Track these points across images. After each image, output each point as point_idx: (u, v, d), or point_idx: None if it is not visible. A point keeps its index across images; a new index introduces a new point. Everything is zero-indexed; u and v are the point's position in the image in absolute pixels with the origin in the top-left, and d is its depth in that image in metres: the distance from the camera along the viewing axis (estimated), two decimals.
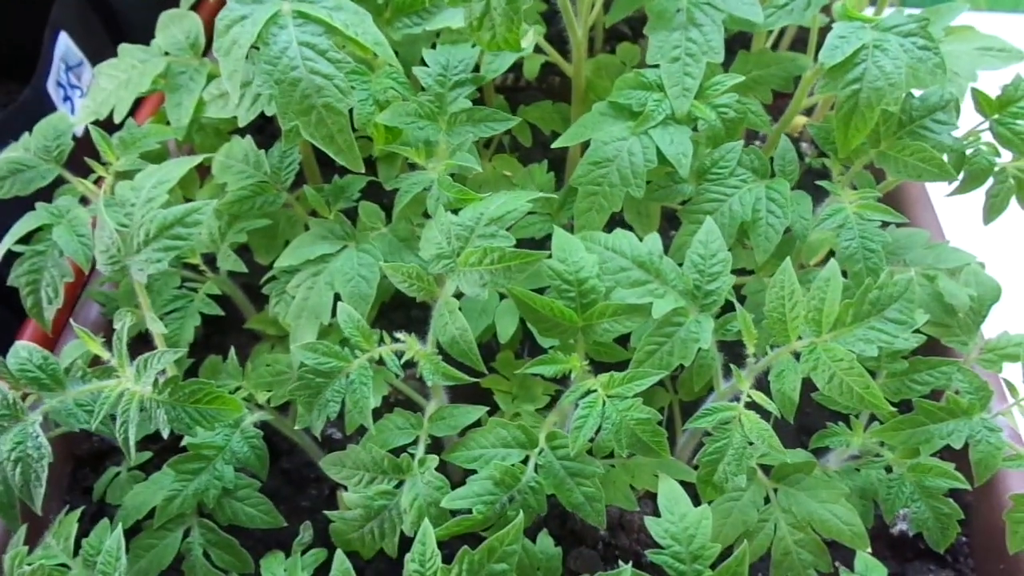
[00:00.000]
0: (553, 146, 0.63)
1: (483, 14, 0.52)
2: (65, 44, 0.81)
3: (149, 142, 0.64)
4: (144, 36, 0.84)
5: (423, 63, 0.63)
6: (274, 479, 0.68)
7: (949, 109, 0.62)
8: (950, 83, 0.63)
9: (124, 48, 0.68)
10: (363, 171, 0.56)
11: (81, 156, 0.66)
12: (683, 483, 0.52)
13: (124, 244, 0.54)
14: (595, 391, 0.52)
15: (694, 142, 0.61)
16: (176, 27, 0.69)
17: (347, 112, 0.55)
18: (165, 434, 0.49)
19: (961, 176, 0.68)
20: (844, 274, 0.60)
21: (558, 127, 0.77)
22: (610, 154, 0.61)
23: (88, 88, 0.82)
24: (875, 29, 0.58)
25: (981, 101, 0.68)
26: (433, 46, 0.64)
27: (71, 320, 0.57)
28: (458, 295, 0.53)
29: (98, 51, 0.87)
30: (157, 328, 0.54)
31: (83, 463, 0.70)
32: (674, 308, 0.53)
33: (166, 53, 0.68)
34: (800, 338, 0.52)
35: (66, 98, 0.80)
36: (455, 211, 0.54)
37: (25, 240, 0.61)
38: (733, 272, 0.56)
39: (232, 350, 0.63)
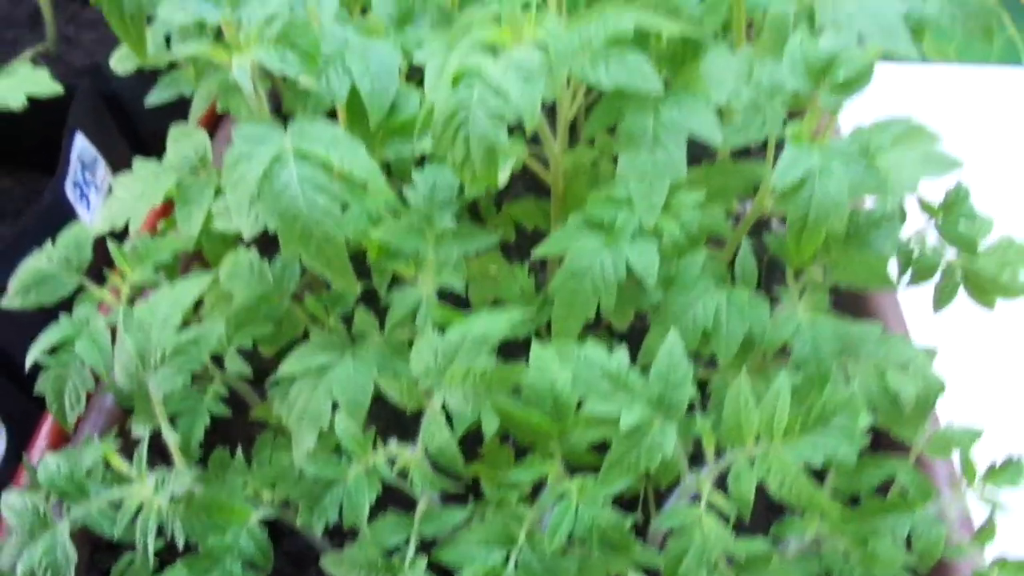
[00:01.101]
0: (533, 256, 0.69)
1: (464, 159, 0.57)
2: (81, 144, 0.87)
3: (162, 254, 0.70)
4: (154, 131, 0.90)
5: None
6: (278, 560, 0.74)
7: (892, 219, 0.68)
8: (894, 192, 0.69)
9: (139, 163, 0.74)
10: (357, 290, 0.62)
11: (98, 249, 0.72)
12: None
13: (142, 362, 0.60)
14: (569, 495, 0.57)
15: (661, 253, 0.67)
16: (186, 143, 0.75)
17: (343, 240, 0.60)
18: (180, 543, 0.54)
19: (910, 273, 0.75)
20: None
21: (540, 223, 0.83)
22: (584, 266, 0.66)
23: (102, 187, 0.89)
24: (821, 153, 0.64)
25: (926, 207, 0.74)
26: (423, 163, 0.70)
27: (94, 434, 0.63)
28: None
29: (111, 148, 0.93)
30: (172, 438, 0.60)
31: (101, 547, 0.75)
32: (640, 419, 0.59)
33: (177, 169, 0.74)
34: (756, 442, 0.58)
35: (82, 195, 0.86)
36: (442, 328, 0.60)
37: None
38: (701, 362, 0.61)
39: (239, 449, 0.69)
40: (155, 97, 0.84)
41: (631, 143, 0.68)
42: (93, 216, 0.87)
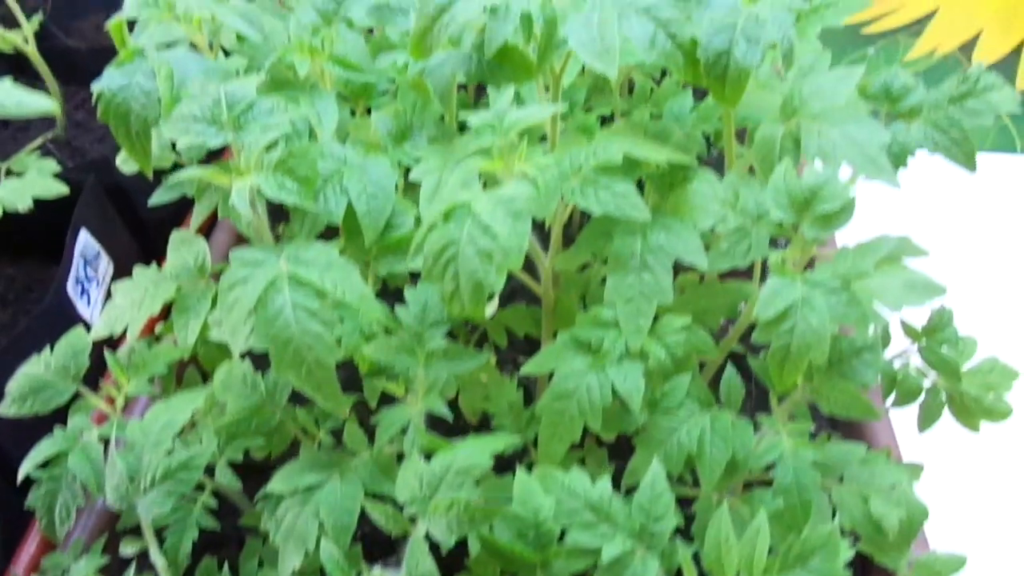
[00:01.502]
0: (522, 373, 0.70)
1: (452, 292, 0.59)
2: (85, 240, 0.89)
3: (158, 365, 0.71)
4: (159, 221, 0.92)
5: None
6: None
7: (875, 348, 0.69)
8: (876, 320, 0.70)
9: (139, 270, 0.76)
10: (347, 414, 0.64)
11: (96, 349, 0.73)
12: None
13: (132, 484, 0.61)
14: None
15: (646, 376, 0.68)
16: (186, 249, 0.77)
17: (333, 366, 0.62)
18: None
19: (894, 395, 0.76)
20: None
21: (531, 330, 0.85)
22: (570, 388, 0.68)
23: (104, 281, 0.90)
24: (804, 285, 0.65)
25: (908, 331, 0.75)
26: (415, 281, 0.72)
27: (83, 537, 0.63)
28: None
29: (115, 240, 0.95)
30: (160, 562, 0.61)
31: None
32: (622, 550, 0.60)
33: (176, 277, 0.75)
34: None
35: (83, 291, 0.88)
36: (428, 455, 0.61)
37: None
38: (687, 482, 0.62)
39: (229, 551, 0.69)
40: (158, 198, 0.87)
41: (619, 265, 0.70)
42: (93, 311, 0.88)
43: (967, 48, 1.50)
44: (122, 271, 0.96)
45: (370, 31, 0.83)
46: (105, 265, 0.92)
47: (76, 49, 1.15)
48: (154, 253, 0.98)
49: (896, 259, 0.76)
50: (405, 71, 0.80)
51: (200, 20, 0.77)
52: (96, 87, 0.71)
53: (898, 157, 0.76)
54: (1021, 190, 1.56)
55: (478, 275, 0.59)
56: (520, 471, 0.62)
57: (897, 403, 0.75)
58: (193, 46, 0.80)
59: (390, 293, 0.77)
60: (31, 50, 1.01)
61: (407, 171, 0.76)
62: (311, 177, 0.65)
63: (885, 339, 0.75)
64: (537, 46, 0.73)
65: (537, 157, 0.65)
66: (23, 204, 0.80)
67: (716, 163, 1.01)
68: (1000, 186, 1.55)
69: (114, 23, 0.78)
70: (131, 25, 0.79)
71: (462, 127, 0.72)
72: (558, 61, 0.75)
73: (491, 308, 0.68)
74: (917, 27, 1.48)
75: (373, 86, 0.81)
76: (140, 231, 1.03)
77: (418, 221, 0.73)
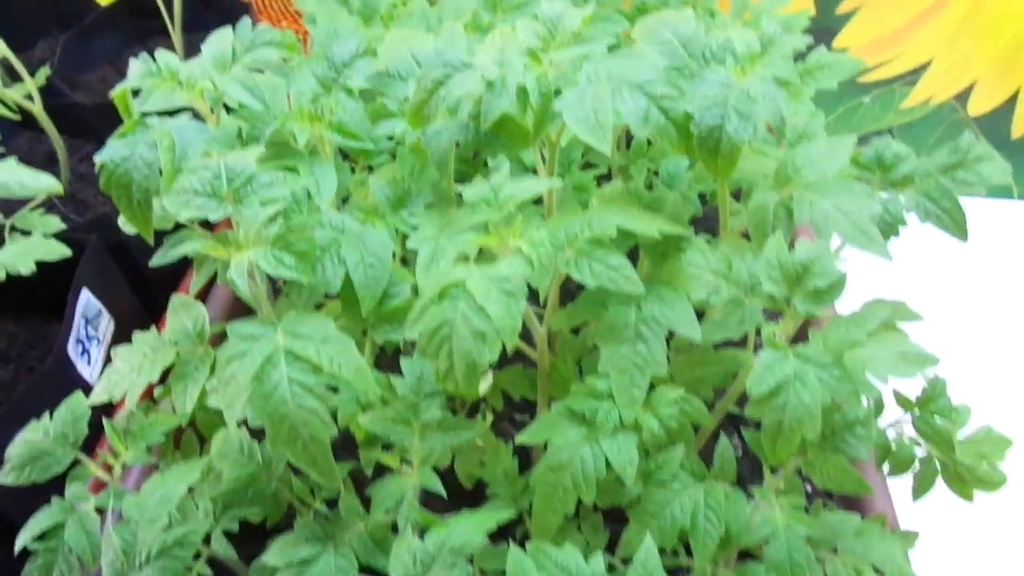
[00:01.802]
0: (518, 442, 0.71)
1: (446, 371, 0.60)
2: (86, 300, 0.90)
3: (155, 434, 0.72)
4: (161, 277, 0.93)
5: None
6: None
7: (868, 422, 0.69)
8: (869, 391, 0.71)
9: (139, 336, 0.77)
10: (341, 486, 0.64)
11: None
12: None
13: (127, 559, 0.61)
14: None
15: (640, 448, 0.68)
16: (185, 314, 0.78)
17: (328, 441, 0.62)
18: None
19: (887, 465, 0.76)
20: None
21: (527, 393, 0.85)
22: (564, 460, 0.68)
23: (104, 339, 0.91)
24: (797, 360, 0.66)
25: (902, 402, 0.76)
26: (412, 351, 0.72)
27: None
28: None
29: (117, 298, 0.96)
30: None
31: None
32: None
33: (175, 343, 0.76)
34: None
35: (84, 351, 0.88)
36: (422, 531, 0.62)
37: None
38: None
39: None
40: (159, 259, 0.87)
41: (613, 336, 0.70)
42: (94, 370, 0.89)
43: (962, 97, 1.51)
44: (124, 328, 0.97)
45: (370, 97, 0.85)
46: (106, 323, 0.93)
47: (82, 104, 1.17)
48: (156, 308, 0.99)
49: (890, 326, 0.77)
50: (404, 139, 0.81)
51: (202, 90, 0.79)
52: (99, 159, 0.73)
53: (890, 227, 0.77)
54: (1018, 237, 1.57)
55: (472, 355, 0.59)
56: (513, 547, 0.62)
57: (891, 473, 0.75)
58: (195, 112, 0.81)
59: (387, 356, 0.78)
60: (36, 109, 1.03)
61: (405, 238, 0.77)
62: (309, 251, 0.66)
63: (878, 408, 0.76)
64: (533, 116, 0.74)
65: (532, 232, 0.66)
66: (26, 267, 0.81)
67: (712, 217, 1.02)
68: (997, 233, 1.56)
69: (118, 92, 0.80)
70: (136, 92, 0.81)
71: (461, 189, 0.73)
72: (555, 129, 0.76)
73: (485, 385, 0.69)
74: (912, 77, 1.49)
75: (372, 152, 0.82)
76: (142, 287, 1.04)
77: (415, 290, 0.74)
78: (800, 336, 0.70)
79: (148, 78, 0.79)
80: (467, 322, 0.59)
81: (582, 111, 0.69)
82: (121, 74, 1.38)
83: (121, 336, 0.96)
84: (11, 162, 0.71)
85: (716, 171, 0.72)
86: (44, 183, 0.72)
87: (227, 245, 0.68)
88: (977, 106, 1.52)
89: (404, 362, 0.71)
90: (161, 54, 0.81)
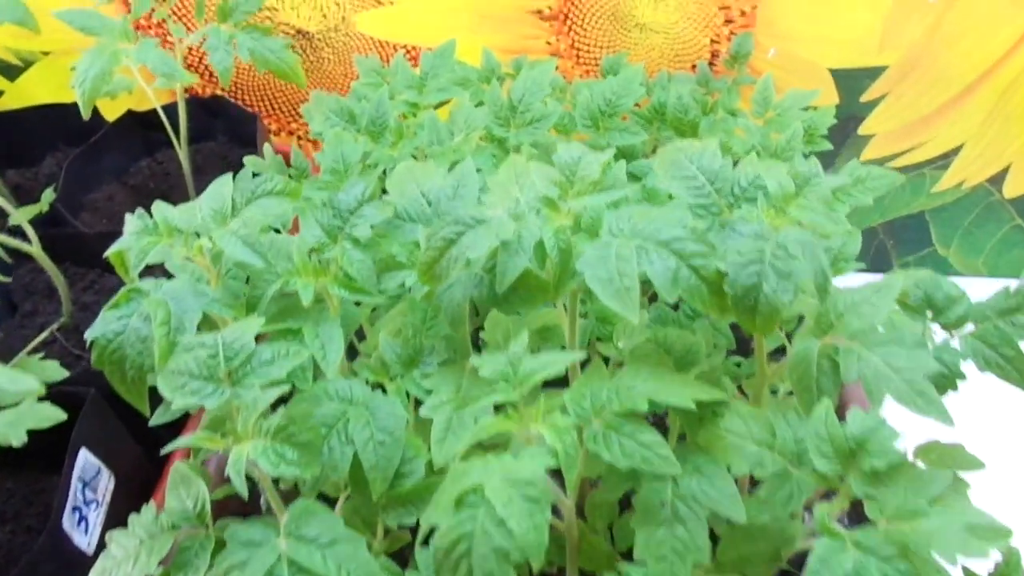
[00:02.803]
0: None
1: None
2: (84, 460, 0.85)
3: None
4: (166, 426, 0.87)
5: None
6: None
7: None
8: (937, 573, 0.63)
9: (134, 519, 0.71)
10: None
11: None
12: None
13: None
14: None
15: None
16: (184, 490, 0.72)
17: None
18: None
19: None
20: None
21: (557, 559, 0.78)
22: None
23: (103, 501, 0.86)
24: (856, 550, 0.59)
25: None
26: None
27: None
28: None
29: (118, 451, 0.91)
30: None
31: None
32: None
33: (173, 526, 0.70)
34: None
35: (80, 519, 0.83)
36: None
37: None
38: None
39: None
40: (158, 419, 0.83)
41: (648, 517, 0.64)
42: (91, 538, 0.83)
43: (996, 180, 1.45)
44: (125, 482, 0.91)
45: (377, 242, 0.80)
46: (106, 481, 0.88)
47: (84, 233, 1.13)
48: (159, 452, 0.94)
49: (957, 489, 0.70)
50: (414, 288, 0.76)
51: (200, 247, 0.74)
52: (90, 334, 0.68)
53: (947, 380, 0.70)
54: None
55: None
56: None
57: None
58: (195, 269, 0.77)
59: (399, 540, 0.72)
60: (36, 251, 0.99)
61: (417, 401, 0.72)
62: (314, 442, 0.61)
63: None
64: (553, 273, 0.69)
65: (555, 417, 0.60)
66: (17, 439, 0.76)
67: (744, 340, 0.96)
68: None
69: (113, 252, 0.76)
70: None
71: (475, 361, 0.67)
72: (576, 283, 0.70)
73: None
74: (943, 161, 1.44)
75: (380, 307, 0.77)
76: (144, 432, 0.98)
77: (430, 467, 0.68)
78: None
79: (144, 236, 0.75)
80: (487, 538, 0.53)
81: (605, 272, 0.63)
82: (128, 190, 1.36)
83: (122, 491, 0.90)
84: None
85: (754, 329, 0.66)
86: (26, 385, 0.67)
87: (224, 434, 0.62)
88: (1013, 188, 1.46)
89: (419, 553, 0.65)
90: (159, 208, 0.77)
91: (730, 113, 1.24)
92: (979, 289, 1.65)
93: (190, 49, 1.39)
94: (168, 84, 1.08)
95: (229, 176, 0.79)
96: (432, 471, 0.67)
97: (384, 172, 1.04)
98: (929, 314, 0.74)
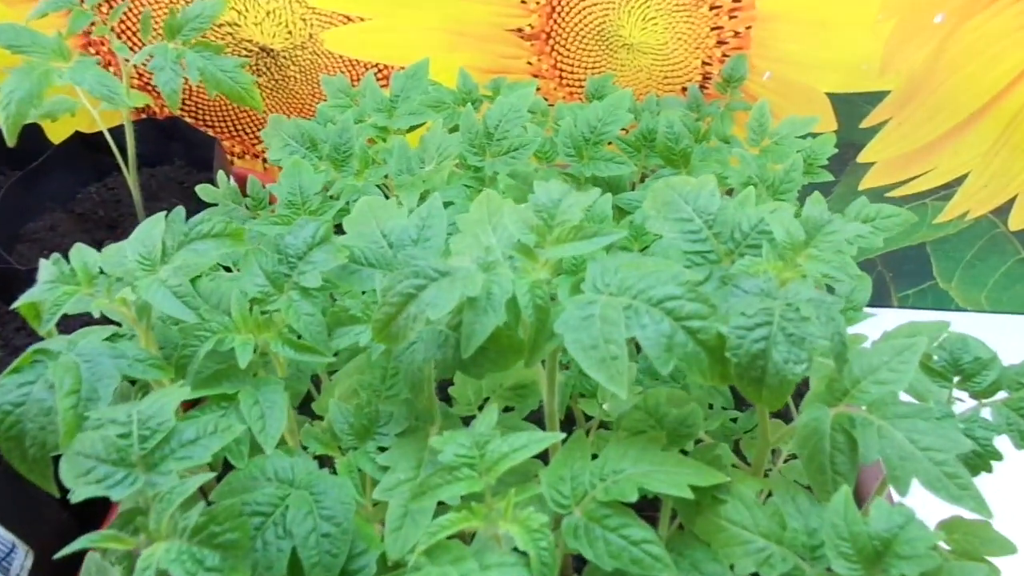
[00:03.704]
0: None
1: None
2: None
3: None
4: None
5: None
6: None
7: None
8: None
9: None
10: None
11: None
12: None
13: None
14: None
15: None
16: None
17: None
18: None
19: None
20: None
21: None
22: None
23: None
24: None
25: None
26: None
27: None
28: None
29: (35, 520, 0.81)
30: None
31: None
32: None
33: None
34: None
35: None
36: None
37: None
38: None
39: None
40: (78, 495, 0.72)
41: None
42: None
43: (1001, 211, 1.38)
44: (45, 552, 0.81)
45: (330, 296, 0.71)
46: (22, 559, 0.77)
47: (16, 270, 1.03)
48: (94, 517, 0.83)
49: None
50: (370, 366, 0.67)
51: (124, 299, 0.65)
52: None
53: (979, 459, 0.61)
54: None
55: None
56: None
57: None
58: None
59: None
60: None
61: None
62: (242, 541, 0.51)
63: None
64: (529, 332, 0.60)
65: (528, 515, 0.50)
66: None
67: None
68: None
69: (23, 304, 0.66)
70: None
71: (435, 440, 0.58)
72: (555, 345, 0.61)
73: None
74: (946, 191, 1.36)
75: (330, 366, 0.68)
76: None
77: (383, 561, 0.58)
78: None
79: (59, 286, 0.65)
80: None
81: (588, 337, 0.54)
82: (74, 218, 1.26)
83: (44, 567, 0.80)
84: None
85: (760, 402, 0.57)
86: None
87: (135, 530, 0.52)
88: (1019, 221, 1.38)
89: None
90: (77, 252, 0.67)
91: (724, 140, 1.15)
92: (982, 325, 1.56)
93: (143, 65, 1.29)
94: (113, 106, 0.98)
95: (161, 215, 0.70)
96: (386, 567, 0.57)
97: (347, 205, 0.95)
98: (955, 378, 0.65)
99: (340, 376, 0.73)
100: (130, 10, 1.25)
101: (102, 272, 0.69)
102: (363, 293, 0.71)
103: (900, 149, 1.32)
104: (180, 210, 0.68)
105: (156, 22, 1.11)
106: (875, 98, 1.28)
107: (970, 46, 1.22)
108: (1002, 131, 1.28)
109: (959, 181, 1.35)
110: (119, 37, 1.25)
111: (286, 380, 0.66)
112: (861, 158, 1.34)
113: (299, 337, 0.66)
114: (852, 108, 1.29)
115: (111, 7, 1.13)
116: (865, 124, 1.31)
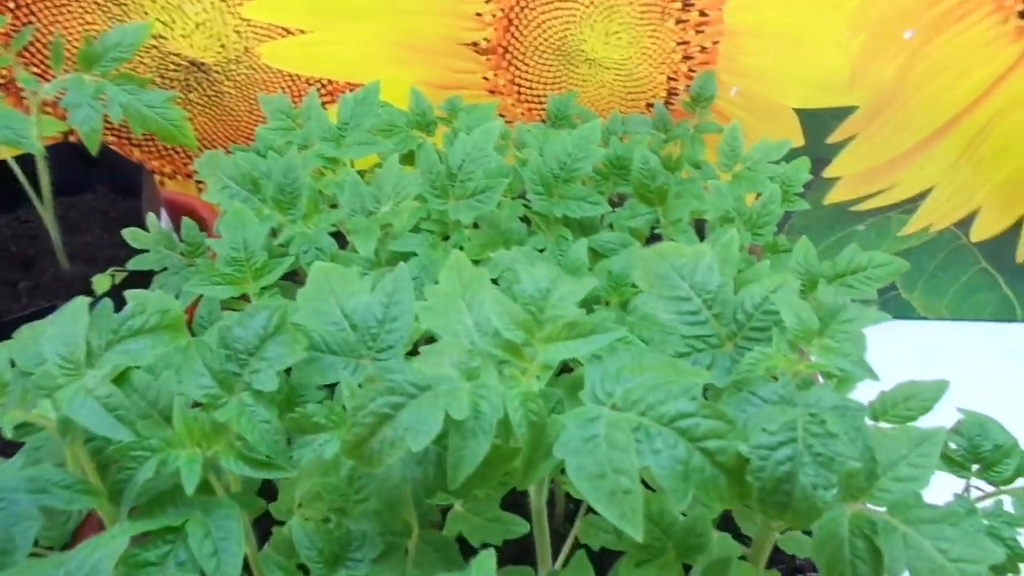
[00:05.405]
0: None
1: None
2: None
3: None
4: None
5: None
6: None
7: None
8: None
9: None
10: None
11: None
12: None
13: None
14: None
15: None
16: None
17: None
18: None
19: None
20: None
21: None
22: None
23: None
24: None
25: None
26: None
27: None
28: None
29: None
30: None
31: None
32: None
33: None
34: None
35: None
36: None
37: None
38: None
39: None
40: None
41: None
42: None
43: (963, 224, 1.36)
44: None
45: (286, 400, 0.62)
46: None
47: None
48: None
49: None
50: (335, 465, 0.59)
51: (44, 413, 0.55)
52: None
53: (1009, 560, 0.57)
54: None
55: None
56: None
57: None
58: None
59: None
60: None
61: None
62: None
63: None
64: (523, 452, 0.53)
65: None
66: None
67: None
68: (1000, 355, 1.41)
69: None
70: None
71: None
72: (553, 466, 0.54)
73: None
74: (910, 205, 1.34)
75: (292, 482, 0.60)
76: None
77: None
78: None
79: None
80: None
81: (594, 464, 0.48)
82: None
83: None
84: None
85: (784, 521, 0.51)
86: None
87: None
88: (980, 232, 1.37)
89: None
90: None
91: (695, 166, 1.10)
92: (942, 332, 1.54)
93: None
94: (24, 149, 0.86)
95: (84, 302, 0.60)
96: None
97: (297, 257, 0.86)
98: (974, 467, 0.61)
99: (302, 474, 0.65)
100: (40, 34, 1.11)
101: (13, 366, 0.60)
102: (320, 388, 0.63)
103: (866, 164, 1.29)
104: (107, 304, 0.59)
105: (69, 51, 0.99)
106: (842, 113, 1.24)
107: (938, 62, 1.18)
108: (966, 146, 1.26)
109: (923, 195, 1.33)
110: (26, 67, 1.12)
111: (240, 496, 0.58)
112: (827, 173, 1.31)
113: (252, 450, 0.57)
114: (819, 123, 1.25)
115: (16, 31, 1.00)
116: (832, 139, 1.27)
